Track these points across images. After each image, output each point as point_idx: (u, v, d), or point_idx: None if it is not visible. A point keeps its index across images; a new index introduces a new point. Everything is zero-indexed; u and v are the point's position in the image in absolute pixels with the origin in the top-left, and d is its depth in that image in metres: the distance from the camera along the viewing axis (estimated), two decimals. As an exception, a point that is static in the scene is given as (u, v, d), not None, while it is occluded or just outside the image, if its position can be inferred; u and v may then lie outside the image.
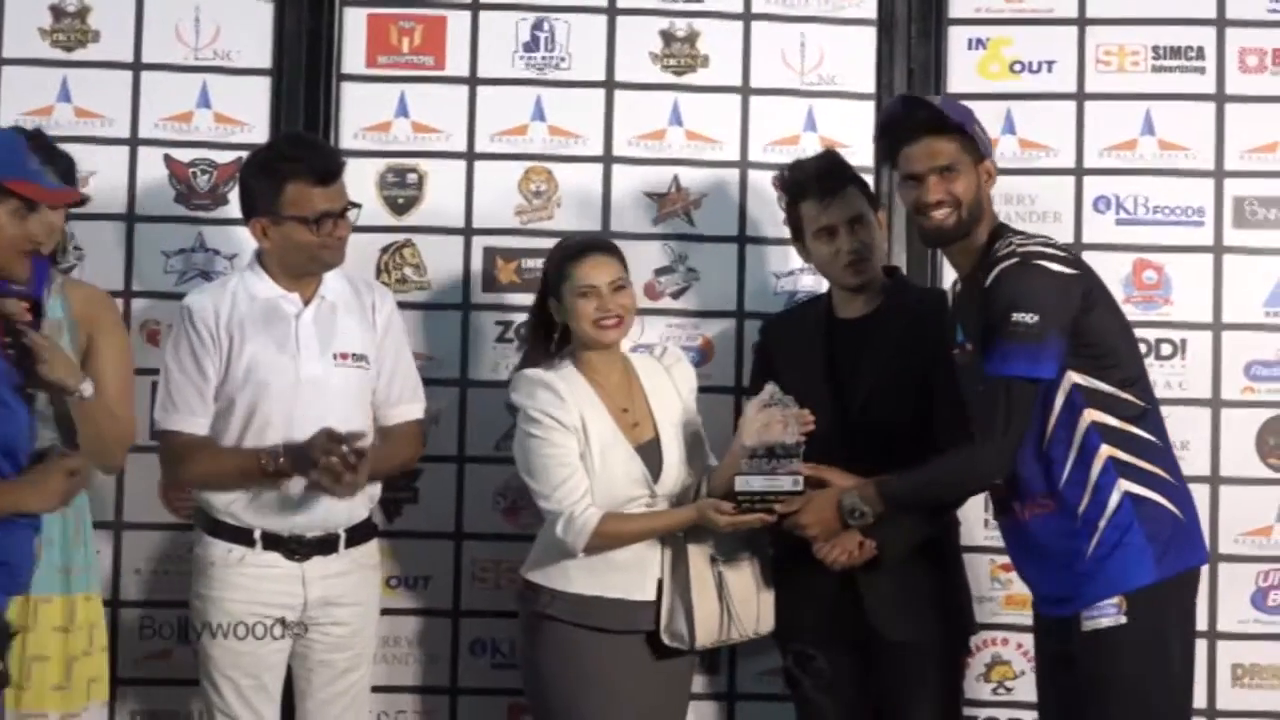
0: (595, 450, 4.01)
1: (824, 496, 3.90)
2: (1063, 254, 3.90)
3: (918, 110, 3.99)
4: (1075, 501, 3.81)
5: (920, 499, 3.94)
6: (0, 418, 3.42)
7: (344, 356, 4.14)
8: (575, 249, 4.10)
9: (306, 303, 4.13)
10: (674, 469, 4.04)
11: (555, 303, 4.11)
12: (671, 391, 4.14)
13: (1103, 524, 3.80)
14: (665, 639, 4.03)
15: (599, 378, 4.08)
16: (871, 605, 4.07)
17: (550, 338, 4.13)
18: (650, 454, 4.05)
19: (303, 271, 4.11)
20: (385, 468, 4.17)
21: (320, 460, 3.94)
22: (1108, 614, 3.77)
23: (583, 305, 4.03)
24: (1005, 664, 4.79)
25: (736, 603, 4.02)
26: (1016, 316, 3.74)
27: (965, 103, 4.12)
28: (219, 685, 4.12)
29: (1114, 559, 3.79)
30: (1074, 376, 3.85)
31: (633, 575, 4.01)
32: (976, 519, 4.63)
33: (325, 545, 4.13)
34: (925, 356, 4.06)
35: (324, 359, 4.10)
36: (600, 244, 4.13)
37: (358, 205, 4.16)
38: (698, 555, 4.02)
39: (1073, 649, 3.84)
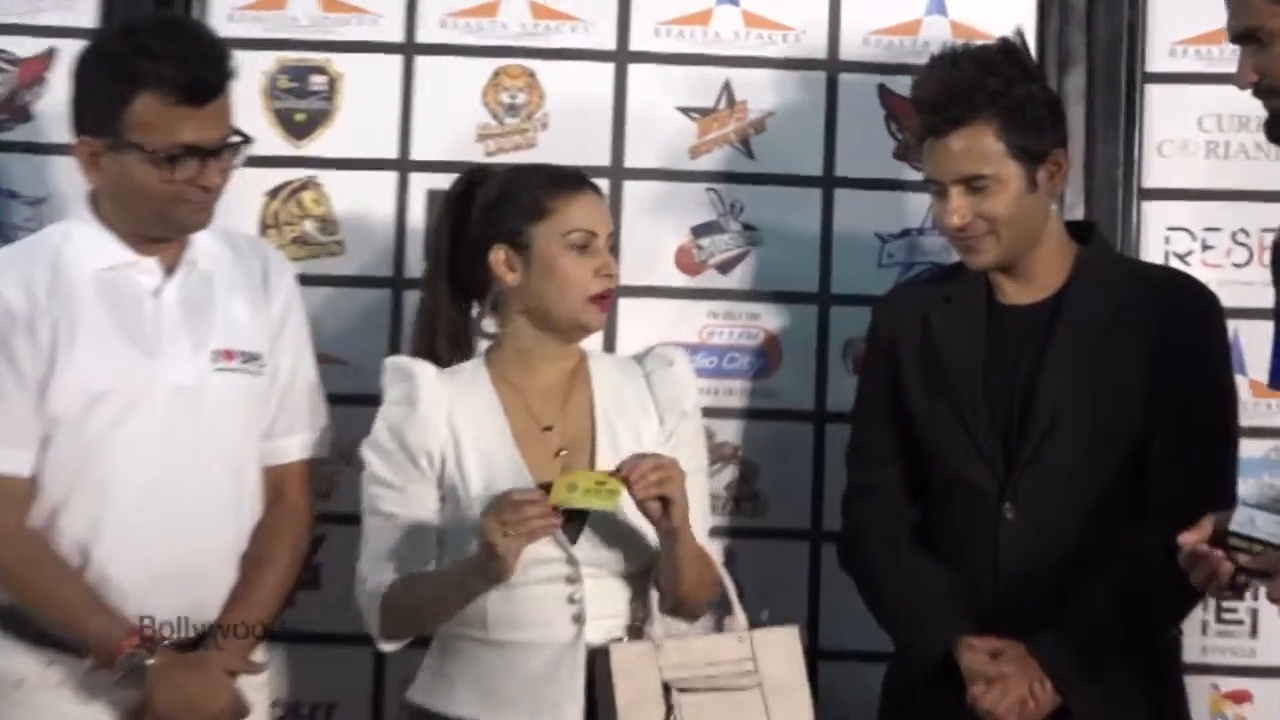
0: (476, 486, 3.31)
1: None
2: None
3: None
4: None
5: None
6: None
7: (228, 355, 3.52)
8: (554, 175, 3.46)
9: (169, 272, 3.49)
10: (613, 525, 3.32)
11: (508, 255, 3.40)
12: (646, 408, 3.45)
13: None
14: None
15: (521, 380, 3.40)
16: None
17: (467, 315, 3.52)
18: None
19: (147, 233, 3.48)
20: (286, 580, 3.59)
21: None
22: None
23: (573, 263, 3.35)
24: (1237, 840, 4.07)
25: None
26: None
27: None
28: None
29: None
30: None
31: (525, 710, 3.30)
32: (1193, 624, 3.88)
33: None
34: (1150, 366, 3.43)
35: (198, 358, 3.48)
36: (586, 178, 3.50)
37: (246, 139, 3.48)
38: (628, 677, 3.27)
39: None
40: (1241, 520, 3.14)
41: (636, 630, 3.33)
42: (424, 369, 3.39)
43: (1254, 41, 3.16)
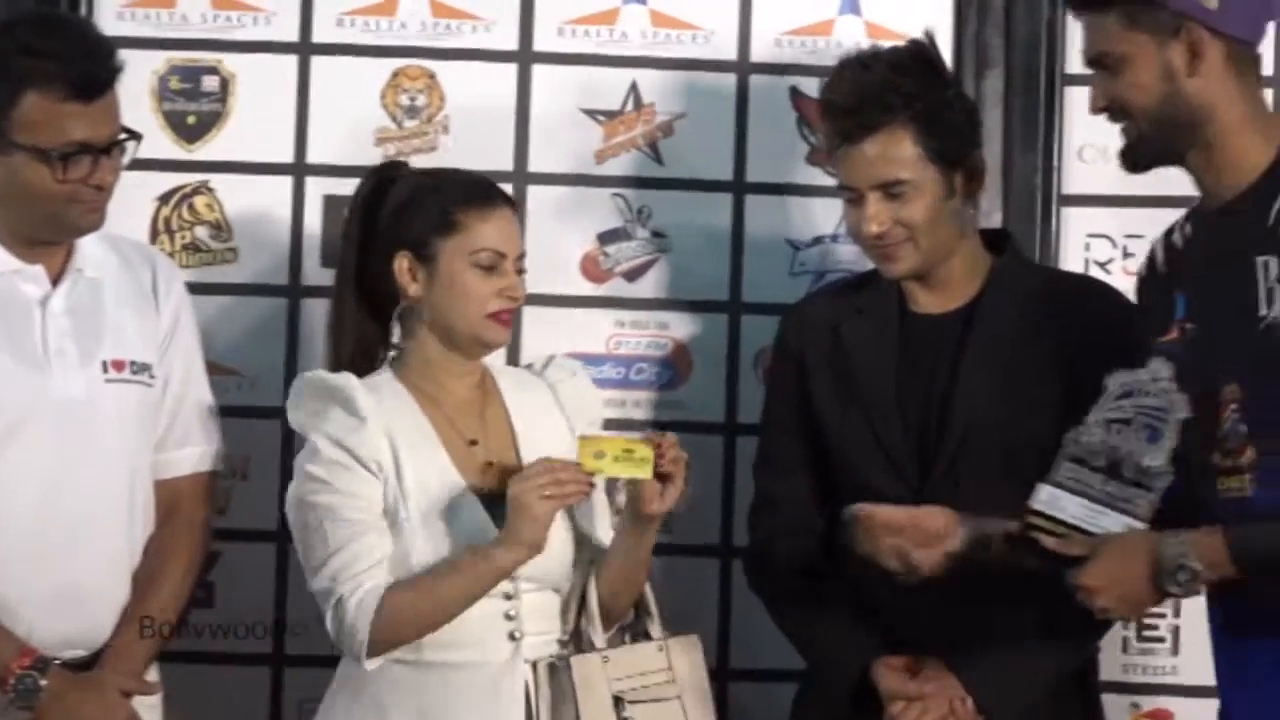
0: (416, 503, 3.28)
1: (1129, 544, 3.03)
2: None
3: None
4: None
5: None
6: None
7: (118, 366, 3.48)
8: (469, 188, 3.39)
9: (55, 281, 3.45)
10: (553, 536, 3.29)
11: (411, 264, 3.35)
12: (556, 420, 3.45)
13: None
14: None
15: (436, 393, 3.38)
16: None
17: (385, 323, 3.44)
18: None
19: (37, 237, 3.42)
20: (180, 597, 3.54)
21: None
22: None
23: (477, 281, 3.32)
24: None
25: None
26: None
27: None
28: None
29: None
30: None
31: None
32: (1113, 641, 3.88)
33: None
34: (1067, 376, 3.36)
35: (87, 370, 3.44)
36: (503, 193, 3.44)
37: (135, 136, 3.44)
38: (590, 691, 3.27)
39: None
40: (1045, 499, 3.09)
41: (569, 643, 3.33)
42: (353, 382, 3.33)
43: (1104, 68, 3.15)
